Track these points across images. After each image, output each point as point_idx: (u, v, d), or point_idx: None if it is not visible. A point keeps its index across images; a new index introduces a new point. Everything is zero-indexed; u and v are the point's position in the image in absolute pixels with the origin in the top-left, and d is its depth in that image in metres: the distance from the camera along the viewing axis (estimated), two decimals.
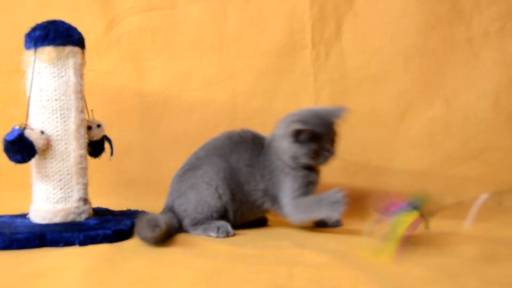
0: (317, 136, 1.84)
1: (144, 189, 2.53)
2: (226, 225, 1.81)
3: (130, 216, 1.95)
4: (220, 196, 1.87)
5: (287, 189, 1.87)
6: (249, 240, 1.73)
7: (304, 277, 1.24)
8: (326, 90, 2.59)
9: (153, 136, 2.60)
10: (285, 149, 1.87)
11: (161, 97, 2.61)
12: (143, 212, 2.05)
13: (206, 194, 1.87)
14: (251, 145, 1.97)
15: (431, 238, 1.61)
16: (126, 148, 2.53)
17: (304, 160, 1.85)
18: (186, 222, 1.87)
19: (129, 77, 2.61)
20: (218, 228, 1.79)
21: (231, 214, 1.90)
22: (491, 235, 1.77)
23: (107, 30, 2.62)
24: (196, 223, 1.85)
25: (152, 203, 2.29)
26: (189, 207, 1.87)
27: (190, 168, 1.96)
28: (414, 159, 2.51)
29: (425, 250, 1.48)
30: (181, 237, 1.76)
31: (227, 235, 1.78)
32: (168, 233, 1.71)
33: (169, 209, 1.92)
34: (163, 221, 1.68)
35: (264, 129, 2.53)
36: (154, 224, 1.65)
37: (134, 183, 2.56)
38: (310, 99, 2.59)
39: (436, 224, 1.58)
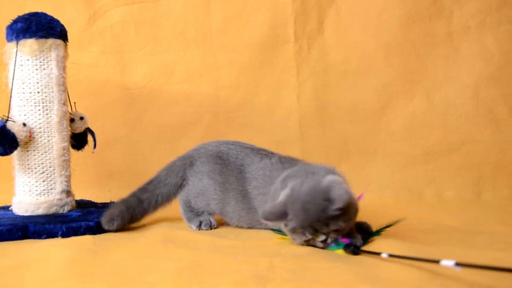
0: (307, 229, 1.46)
1: (127, 182, 2.51)
2: (208, 218, 1.81)
3: None
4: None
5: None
6: (231, 231, 1.74)
7: (284, 268, 1.25)
8: (308, 84, 2.61)
9: (136, 129, 2.61)
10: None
11: (144, 90, 2.62)
12: None
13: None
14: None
15: (406, 229, 1.63)
16: (109, 140, 2.54)
17: (300, 243, 1.51)
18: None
19: (112, 70, 2.62)
20: (201, 222, 1.79)
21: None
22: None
23: (89, 23, 2.62)
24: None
25: None
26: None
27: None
28: (395, 152, 2.53)
29: (402, 240, 1.49)
30: (164, 228, 1.76)
31: (210, 227, 1.79)
32: (130, 220, 1.80)
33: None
34: (119, 213, 1.76)
35: (246, 122, 2.58)
36: (110, 219, 1.74)
37: (117, 176, 2.57)
38: (292, 93, 2.61)
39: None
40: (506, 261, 1.28)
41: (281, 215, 1.46)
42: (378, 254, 1.30)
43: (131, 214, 1.82)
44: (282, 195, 1.49)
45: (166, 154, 2.54)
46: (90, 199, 2.20)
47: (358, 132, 2.55)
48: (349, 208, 1.44)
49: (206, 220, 1.80)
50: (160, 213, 1.92)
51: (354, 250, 1.39)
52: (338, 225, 1.43)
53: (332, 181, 1.45)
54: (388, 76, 2.57)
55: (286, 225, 1.48)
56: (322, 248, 1.46)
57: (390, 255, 1.27)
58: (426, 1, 2.56)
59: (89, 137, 2.08)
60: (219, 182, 1.80)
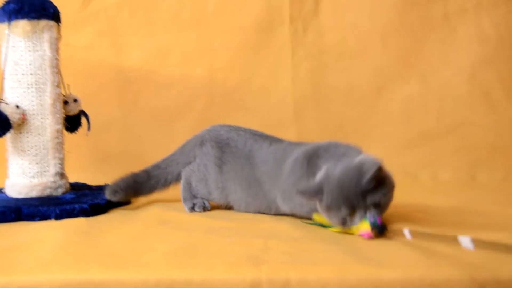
0: (340, 206, 1.40)
1: (123, 164, 2.50)
2: (202, 200, 1.81)
3: None
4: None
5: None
6: (226, 213, 1.73)
7: (279, 250, 1.25)
8: (304, 66, 2.60)
9: (131, 112, 2.60)
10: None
11: (140, 72, 2.61)
12: None
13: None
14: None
15: (401, 212, 1.62)
16: (104, 123, 2.53)
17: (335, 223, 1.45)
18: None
19: (107, 52, 2.61)
20: (194, 204, 1.79)
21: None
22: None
23: (84, 5, 2.60)
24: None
25: None
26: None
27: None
28: (391, 134, 2.53)
29: (397, 223, 1.49)
30: (159, 210, 1.76)
31: (204, 210, 1.78)
32: (135, 194, 1.87)
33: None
34: (124, 186, 1.83)
35: (242, 104, 2.57)
36: (114, 190, 1.81)
37: (112, 159, 2.56)
38: (288, 75, 2.61)
39: None
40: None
41: (317, 191, 1.42)
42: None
43: (137, 188, 1.87)
44: (318, 176, 1.46)
45: (162, 136, 2.55)
46: (85, 182, 2.19)
47: (354, 115, 2.55)
48: (385, 180, 1.42)
49: (200, 202, 1.79)
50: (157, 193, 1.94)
51: (381, 229, 1.37)
52: (375, 199, 1.39)
53: (364, 157, 1.44)
54: (384, 58, 2.56)
55: (321, 202, 1.43)
56: None
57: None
58: None
59: (83, 120, 2.07)
60: (224, 171, 1.77)
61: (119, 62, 2.61)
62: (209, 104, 2.62)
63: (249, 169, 1.72)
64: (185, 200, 1.83)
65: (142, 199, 1.96)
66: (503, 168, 2.42)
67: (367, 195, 1.38)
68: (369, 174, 1.37)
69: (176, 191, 1.88)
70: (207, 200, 1.81)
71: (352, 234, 1.39)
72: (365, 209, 1.38)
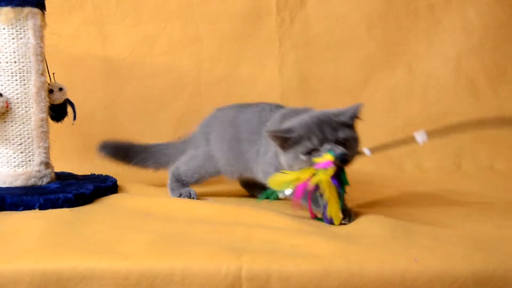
0: (304, 136, 1.44)
1: None
2: (188, 190, 1.82)
3: (94, 180, 1.95)
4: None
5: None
6: (211, 202, 1.74)
7: (261, 240, 1.26)
8: (291, 56, 2.61)
9: (117, 101, 2.59)
10: (284, 160, 1.51)
11: (125, 61, 2.60)
12: (107, 176, 2.05)
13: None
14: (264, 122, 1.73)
15: (387, 199, 1.64)
16: (89, 112, 2.52)
17: (306, 165, 1.43)
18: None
19: (93, 41, 2.59)
20: (180, 194, 1.81)
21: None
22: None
23: None
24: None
25: (116, 167, 2.29)
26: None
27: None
28: (376, 123, 2.53)
29: (379, 211, 1.50)
30: (144, 200, 1.75)
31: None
32: (122, 157, 2.05)
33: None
34: (115, 145, 2.05)
35: (228, 95, 2.57)
36: (105, 145, 2.05)
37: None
38: (274, 65, 2.61)
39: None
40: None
41: (287, 130, 1.46)
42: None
43: (127, 154, 2.04)
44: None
45: (147, 126, 2.55)
46: (71, 172, 2.19)
47: (340, 105, 2.45)
48: (356, 127, 1.50)
49: (186, 192, 1.82)
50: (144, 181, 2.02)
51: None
52: (346, 134, 1.44)
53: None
54: (370, 48, 2.58)
55: (288, 141, 1.45)
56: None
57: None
58: None
59: (69, 109, 2.06)
60: (211, 140, 1.88)
61: (105, 51, 2.59)
62: (195, 94, 2.62)
63: (233, 131, 1.80)
64: (172, 190, 1.86)
65: (128, 188, 1.97)
66: (488, 157, 2.44)
67: (339, 129, 1.44)
68: (352, 109, 1.48)
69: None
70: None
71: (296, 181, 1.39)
72: (334, 143, 1.42)
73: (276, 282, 1.08)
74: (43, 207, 1.63)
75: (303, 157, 1.43)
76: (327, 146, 1.41)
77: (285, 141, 1.46)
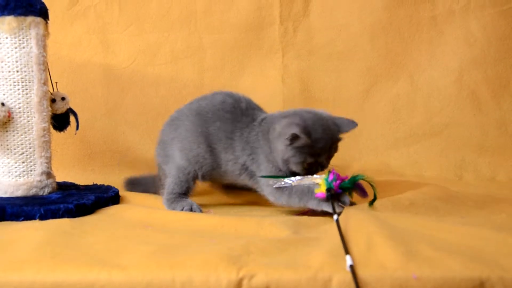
0: (315, 150, 1.66)
1: (109, 162, 2.53)
2: (190, 204, 1.81)
3: (95, 190, 1.94)
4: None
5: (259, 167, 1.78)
6: (210, 214, 1.74)
7: (261, 252, 1.24)
8: (294, 66, 2.61)
9: (118, 109, 2.59)
10: (279, 150, 1.70)
11: (127, 70, 2.60)
12: (108, 186, 2.05)
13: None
14: (239, 116, 1.83)
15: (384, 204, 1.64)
16: (89, 120, 2.52)
17: (295, 169, 1.68)
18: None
19: (95, 49, 2.59)
20: (183, 208, 1.80)
21: (199, 175, 1.89)
22: None
23: (73, 2, 2.59)
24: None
25: (118, 175, 2.30)
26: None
27: (174, 120, 1.98)
28: (378, 134, 2.54)
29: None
30: (145, 212, 1.74)
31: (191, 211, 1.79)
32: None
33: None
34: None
35: None
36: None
37: (99, 156, 2.55)
38: (277, 74, 2.61)
39: None
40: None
41: (313, 139, 1.65)
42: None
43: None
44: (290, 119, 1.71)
45: (147, 134, 2.56)
46: (72, 180, 2.18)
47: (342, 115, 2.48)
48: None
49: (188, 205, 1.80)
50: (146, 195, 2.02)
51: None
52: (336, 150, 1.74)
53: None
54: (372, 59, 2.58)
55: (305, 145, 1.64)
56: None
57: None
58: None
59: (72, 118, 2.06)
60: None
61: (107, 59, 2.60)
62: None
63: (211, 141, 1.84)
64: (170, 202, 1.86)
65: (130, 198, 1.97)
66: (490, 169, 2.44)
67: (334, 148, 1.72)
68: (348, 128, 1.75)
69: None
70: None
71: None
72: (327, 159, 1.71)
73: None
74: (43, 217, 1.62)
75: (305, 165, 1.67)
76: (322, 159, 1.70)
77: (300, 144, 1.65)
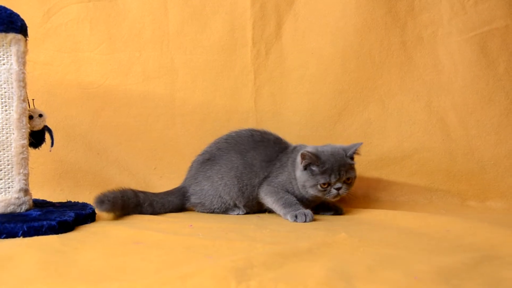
0: (327, 169, 1.99)
1: (81, 182, 2.50)
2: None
3: (72, 207, 1.92)
4: (229, 193, 2.13)
5: (276, 177, 2.12)
6: (197, 231, 1.72)
7: (263, 266, 1.24)
8: (266, 88, 2.63)
9: (91, 129, 2.56)
10: (297, 177, 2.05)
11: (100, 89, 2.58)
12: (84, 203, 2.02)
13: (221, 189, 2.14)
14: (272, 144, 2.21)
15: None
16: (63, 139, 2.48)
17: (312, 191, 2.02)
18: (200, 209, 2.20)
19: (67, 68, 2.58)
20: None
21: (241, 207, 2.17)
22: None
23: (44, 20, 2.57)
24: (212, 212, 2.18)
25: (88, 195, 2.26)
26: (205, 199, 2.17)
27: (210, 159, 2.19)
28: None
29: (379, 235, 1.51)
30: (130, 228, 1.73)
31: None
32: (123, 208, 2.02)
33: (183, 191, 2.22)
34: (112, 198, 1.97)
35: (203, 126, 2.56)
36: (101, 200, 1.93)
37: (70, 175, 2.51)
38: (249, 97, 2.62)
39: None
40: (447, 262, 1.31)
41: (322, 161, 1.99)
42: None
43: (124, 203, 2.02)
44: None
45: (121, 155, 2.53)
46: (42, 199, 2.15)
47: (314, 137, 2.57)
48: (355, 166, 2.09)
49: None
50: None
51: None
52: (351, 174, 2.04)
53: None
54: (344, 82, 2.60)
55: (315, 167, 1.99)
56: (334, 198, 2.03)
57: None
58: (381, 10, 2.59)
59: (47, 135, 2.03)
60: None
61: (79, 78, 2.58)
62: (169, 124, 2.61)
63: (247, 171, 2.15)
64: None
65: (107, 217, 1.94)
66: (458, 194, 2.48)
67: (347, 170, 2.02)
68: (350, 151, 2.06)
69: None
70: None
71: None
72: (342, 182, 2.02)
73: None
74: (26, 234, 1.59)
75: (319, 187, 2.00)
76: (338, 184, 2.02)
77: (314, 164, 1.99)
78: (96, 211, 1.94)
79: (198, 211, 2.22)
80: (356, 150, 2.07)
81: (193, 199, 2.19)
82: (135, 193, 2.09)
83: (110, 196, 1.97)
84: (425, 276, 1.17)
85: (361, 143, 2.10)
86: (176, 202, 2.19)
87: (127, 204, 2.03)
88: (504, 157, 2.48)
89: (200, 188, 2.18)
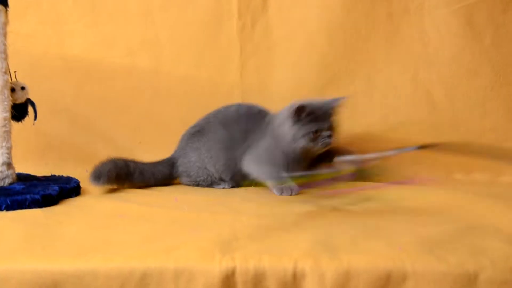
0: (317, 118, 1.93)
1: (65, 155, 2.48)
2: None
3: (56, 181, 1.91)
4: (215, 165, 2.13)
5: (258, 145, 2.06)
6: (182, 204, 1.72)
7: (248, 238, 1.25)
8: (252, 61, 2.60)
9: (75, 102, 2.54)
10: (286, 132, 1.97)
11: (84, 62, 2.54)
12: (69, 177, 2.01)
13: (207, 161, 2.14)
14: (254, 115, 2.17)
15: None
16: (46, 113, 2.43)
17: (304, 142, 1.93)
18: (186, 181, 2.21)
19: (50, 40, 2.54)
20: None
21: (227, 180, 2.16)
22: None
23: None
24: (198, 185, 2.18)
25: (73, 169, 2.25)
26: (191, 170, 2.17)
27: (199, 131, 2.19)
28: None
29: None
30: (113, 202, 1.73)
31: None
32: (117, 179, 2.02)
33: (172, 161, 2.22)
34: (106, 171, 1.97)
35: (187, 99, 2.55)
36: (97, 175, 1.94)
37: (54, 149, 2.50)
38: (235, 70, 2.60)
39: None
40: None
41: (315, 106, 1.94)
42: None
43: (117, 173, 2.03)
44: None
45: (106, 128, 2.52)
46: (26, 173, 2.13)
47: None
48: None
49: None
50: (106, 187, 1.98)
51: None
52: (338, 123, 2.00)
53: None
54: (330, 55, 2.58)
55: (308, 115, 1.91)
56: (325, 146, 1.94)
57: None
58: None
59: (30, 109, 2.01)
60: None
61: (63, 51, 2.54)
62: (154, 97, 2.59)
63: (232, 144, 2.12)
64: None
65: (90, 189, 1.93)
66: (444, 167, 2.48)
67: (333, 117, 1.98)
68: (339, 100, 2.01)
69: None
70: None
71: None
72: (331, 130, 1.96)
73: (271, 278, 1.08)
74: (9, 208, 1.58)
75: (311, 136, 1.92)
76: (327, 132, 1.95)
77: (304, 115, 1.91)
78: (93, 185, 1.95)
79: (183, 183, 2.22)
80: (341, 101, 2.03)
81: (180, 169, 2.19)
82: (126, 162, 2.09)
83: (105, 169, 1.97)
84: (409, 246, 1.17)
85: (345, 97, 2.04)
86: (165, 172, 2.19)
87: (120, 174, 2.04)
88: (489, 130, 2.48)
89: (188, 160, 2.17)
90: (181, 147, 2.24)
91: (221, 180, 2.16)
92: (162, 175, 2.19)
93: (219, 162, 2.13)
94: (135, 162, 2.14)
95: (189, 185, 2.20)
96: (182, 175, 2.20)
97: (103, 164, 2.01)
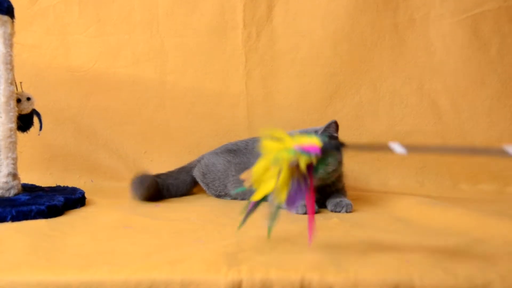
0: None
1: (70, 165, 2.47)
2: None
3: (62, 192, 1.90)
4: (233, 187, 2.12)
5: None
6: (190, 216, 1.71)
7: (253, 250, 1.24)
8: (257, 71, 2.60)
9: (80, 113, 2.53)
10: None
11: (89, 73, 2.55)
12: (74, 188, 2.00)
13: (229, 179, 2.13)
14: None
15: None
16: (51, 123, 2.46)
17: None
18: (197, 174, 2.23)
19: (56, 51, 2.54)
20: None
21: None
22: None
23: (31, 2, 2.53)
24: (207, 187, 2.21)
25: (78, 179, 2.25)
26: (210, 173, 2.17)
27: (236, 150, 2.20)
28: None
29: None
30: (118, 213, 1.72)
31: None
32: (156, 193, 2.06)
33: (194, 164, 2.27)
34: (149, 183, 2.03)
35: (193, 108, 2.54)
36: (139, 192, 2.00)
37: (59, 159, 2.49)
38: (240, 80, 2.59)
39: None
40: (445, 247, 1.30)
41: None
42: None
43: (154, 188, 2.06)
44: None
45: (111, 138, 2.51)
46: (31, 183, 2.12)
47: (306, 121, 2.55)
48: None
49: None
50: (111, 198, 1.99)
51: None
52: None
53: None
54: (335, 65, 2.59)
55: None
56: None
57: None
58: None
59: (35, 119, 2.01)
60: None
61: (68, 62, 2.54)
62: (159, 108, 2.58)
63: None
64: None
65: (95, 200, 1.93)
66: (450, 177, 2.48)
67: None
68: (323, 127, 1.87)
69: None
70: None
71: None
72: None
73: None
74: (15, 219, 1.57)
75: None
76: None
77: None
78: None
79: (194, 174, 2.24)
80: (326, 128, 1.87)
81: (203, 163, 2.22)
82: (156, 179, 2.12)
83: (144, 185, 2.03)
84: (417, 259, 1.16)
85: (333, 121, 1.88)
86: (187, 180, 2.23)
87: (153, 194, 2.07)
88: (495, 140, 2.48)
89: (214, 163, 2.18)
90: (214, 153, 2.24)
91: (227, 195, 2.16)
92: (186, 185, 2.22)
93: (236, 187, 2.11)
94: (162, 178, 2.15)
95: (196, 181, 2.23)
96: (199, 169, 2.22)
97: (144, 178, 2.06)
